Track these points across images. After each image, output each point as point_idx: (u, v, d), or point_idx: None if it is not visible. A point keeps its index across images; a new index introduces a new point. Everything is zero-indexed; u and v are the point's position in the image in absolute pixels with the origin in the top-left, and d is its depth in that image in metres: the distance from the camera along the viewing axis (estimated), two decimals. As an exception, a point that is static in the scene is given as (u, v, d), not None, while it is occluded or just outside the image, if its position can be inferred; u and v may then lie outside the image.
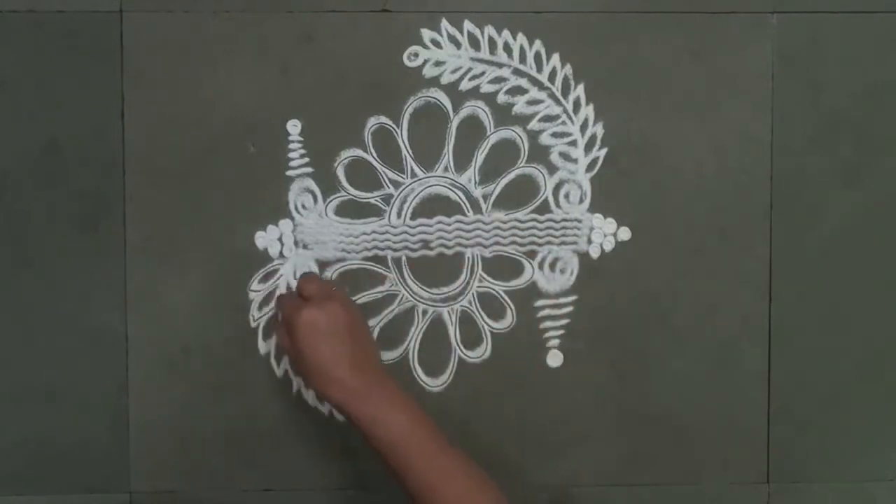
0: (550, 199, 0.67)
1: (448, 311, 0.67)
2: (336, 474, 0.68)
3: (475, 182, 0.67)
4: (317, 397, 0.66)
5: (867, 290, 0.68)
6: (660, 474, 0.68)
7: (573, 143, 0.67)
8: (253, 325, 0.67)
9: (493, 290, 0.67)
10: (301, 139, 0.66)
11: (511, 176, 0.67)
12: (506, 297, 0.67)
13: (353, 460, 0.67)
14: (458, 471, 0.55)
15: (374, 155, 0.67)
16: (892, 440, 0.69)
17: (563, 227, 0.67)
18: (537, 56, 0.67)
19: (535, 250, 0.67)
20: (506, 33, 0.67)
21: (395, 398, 0.56)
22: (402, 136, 0.67)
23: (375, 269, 0.67)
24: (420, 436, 0.55)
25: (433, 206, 0.67)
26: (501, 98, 0.67)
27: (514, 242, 0.67)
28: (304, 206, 0.67)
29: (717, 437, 0.68)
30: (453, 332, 0.67)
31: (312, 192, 0.67)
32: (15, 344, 0.66)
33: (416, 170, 0.67)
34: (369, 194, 0.67)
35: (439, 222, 0.67)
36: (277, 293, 0.66)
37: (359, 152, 0.67)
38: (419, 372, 0.67)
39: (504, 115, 0.67)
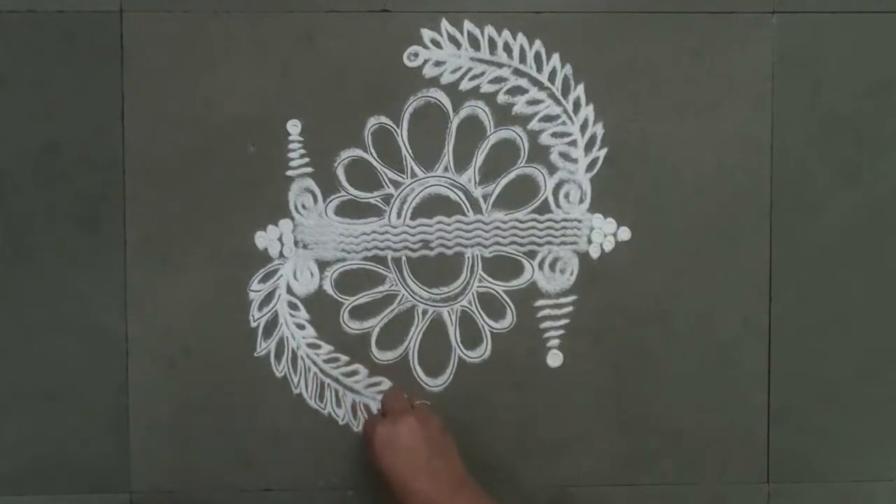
0: (550, 199, 0.67)
1: (448, 311, 0.67)
2: (336, 474, 0.68)
3: (475, 182, 0.67)
4: None
5: (867, 290, 0.68)
6: (660, 474, 0.68)
7: (573, 143, 0.67)
8: (253, 325, 0.67)
9: (493, 290, 0.67)
10: (301, 139, 0.66)
11: (511, 176, 0.67)
12: (506, 297, 0.67)
13: (353, 460, 0.67)
14: None
15: (374, 155, 0.67)
16: (892, 440, 0.69)
17: (563, 227, 0.67)
18: (537, 56, 0.67)
19: (535, 250, 0.67)
20: (506, 33, 0.67)
21: None
22: (402, 136, 0.67)
23: (375, 269, 0.67)
24: None
25: (433, 206, 0.67)
26: (501, 98, 0.67)
27: (514, 242, 0.67)
28: (304, 206, 0.67)
29: (718, 437, 0.68)
30: (453, 332, 0.67)
31: (312, 192, 0.67)
32: (15, 344, 0.66)
33: (416, 170, 0.67)
34: (369, 194, 0.67)
35: (439, 222, 0.67)
36: (279, 291, 0.66)
37: (359, 152, 0.67)
38: (419, 372, 0.67)
39: (504, 115, 0.67)
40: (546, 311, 0.67)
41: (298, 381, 0.67)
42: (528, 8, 0.67)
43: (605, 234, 0.67)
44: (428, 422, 0.59)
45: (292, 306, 0.67)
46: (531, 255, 0.67)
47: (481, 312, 0.67)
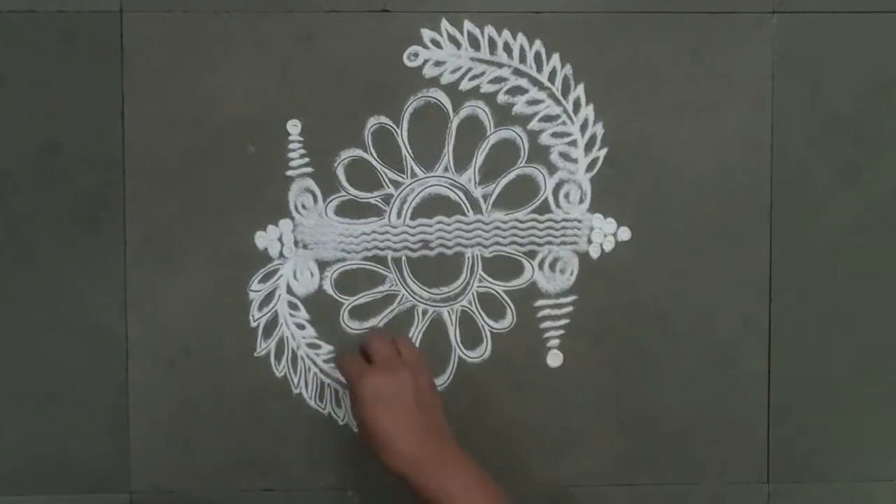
0: (550, 199, 0.67)
1: (448, 311, 0.67)
2: (336, 474, 0.68)
3: (475, 182, 0.67)
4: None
5: (867, 290, 0.68)
6: (660, 474, 0.68)
7: (573, 143, 0.67)
8: (253, 325, 0.67)
9: (493, 290, 0.67)
10: (301, 139, 0.66)
11: (511, 176, 0.67)
12: (506, 297, 0.67)
13: (353, 460, 0.67)
14: None
15: (374, 155, 0.67)
16: (892, 440, 0.69)
17: (563, 227, 0.67)
18: (537, 56, 0.67)
19: (535, 250, 0.67)
20: (506, 33, 0.67)
21: (462, 471, 0.55)
22: (402, 136, 0.67)
23: (375, 269, 0.67)
24: None
25: (433, 206, 0.67)
26: (501, 98, 0.67)
27: (514, 242, 0.67)
28: (304, 206, 0.67)
29: (717, 437, 0.68)
30: (453, 332, 0.67)
31: (312, 192, 0.67)
32: (15, 344, 0.66)
33: (416, 170, 0.67)
34: (369, 194, 0.67)
35: (439, 222, 0.67)
36: (279, 291, 0.66)
37: (359, 152, 0.67)
38: (419, 372, 0.67)
39: (504, 115, 0.67)
40: (546, 311, 0.67)
41: (298, 381, 0.67)
42: (528, 8, 0.67)
43: (605, 234, 0.67)
44: (419, 376, 0.57)
45: (292, 306, 0.67)
46: (531, 255, 0.67)
47: (481, 312, 0.67)
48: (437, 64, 0.67)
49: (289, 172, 0.66)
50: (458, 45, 0.67)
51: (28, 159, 0.66)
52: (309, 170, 0.66)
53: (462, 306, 0.67)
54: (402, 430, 0.55)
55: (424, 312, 0.67)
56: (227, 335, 0.67)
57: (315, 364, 0.67)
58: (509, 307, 0.67)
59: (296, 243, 0.67)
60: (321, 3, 0.66)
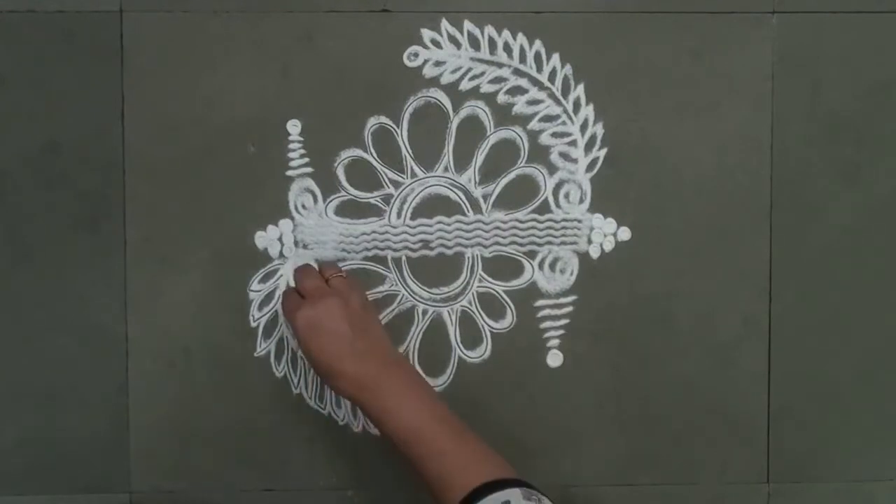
0: (550, 199, 0.67)
1: (448, 311, 0.67)
2: (336, 474, 0.68)
3: (475, 182, 0.67)
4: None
5: (867, 290, 0.68)
6: (660, 474, 0.68)
7: (573, 143, 0.67)
8: (253, 325, 0.67)
9: (493, 290, 0.67)
10: (301, 139, 0.66)
11: (511, 176, 0.67)
12: (506, 297, 0.67)
13: (353, 460, 0.67)
14: (474, 458, 0.55)
15: (374, 155, 0.67)
16: (892, 440, 0.69)
17: (563, 227, 0.67)
18: (537, 56, 0.67)
19: (535, 250, 0.67)
20: (506, 33, 0.67)
21: (405, 388, 0.57)
22: (402, 136, 0.67)
23: (375, 269, 0.67)
24: (433, 426, 0.55)
25: (433, 206, 0.67)
26: (501, 98, 0.67)
27: (514, 242, 0.67)
28: (304, 206, 0.67)
29: (717, 437, 0.68)
30: (453, 332, 0.67)
31: (312, 192, 0.67)
32: (15, 344, 0.66)
33: (416, 170, 0.67)
34: (369, 194, 0.67)
35: (439, 222, 0.67)
36: (279, 291, 0.66)
37: (359, 152, 0.67)
38: (419, 371, 0.67)
39: (504, 115, 0.67)
40: (546, 311, 0.67)
41: (298, 381, 0.67)
42: (528, 8, 0.67)
43: (605, 234, 0.67)
44: (348, 302, 0.58)
45: (292, 306, 0.67)
46: (531, 255, 0.67)
47: (481, 312, 0.67)
48: (437, 64, 0.67)
49: (289, 172, 0.66)
50: (458, 45, 0.67)
51: (28, 159, 0.66)
52: (309, 170, 0.66)
53: (462, 306, 0.67)
54: (341, 355, 0.56)
55: (424, 312, 0.67)
56: (227, 335, 0.67)
57: (315, 364, 0.67)
58: (509, 307, 0.67)
59: (296, 243, 0.67)
60: (321, 3, 0.66)
